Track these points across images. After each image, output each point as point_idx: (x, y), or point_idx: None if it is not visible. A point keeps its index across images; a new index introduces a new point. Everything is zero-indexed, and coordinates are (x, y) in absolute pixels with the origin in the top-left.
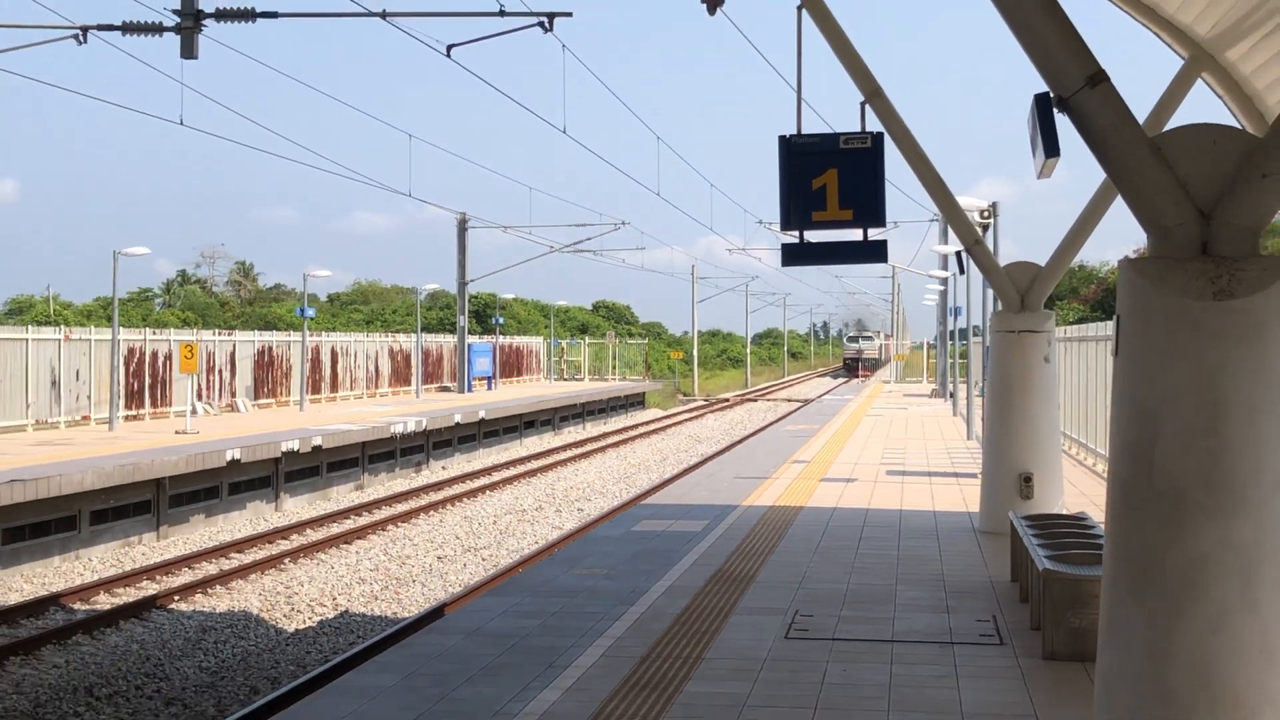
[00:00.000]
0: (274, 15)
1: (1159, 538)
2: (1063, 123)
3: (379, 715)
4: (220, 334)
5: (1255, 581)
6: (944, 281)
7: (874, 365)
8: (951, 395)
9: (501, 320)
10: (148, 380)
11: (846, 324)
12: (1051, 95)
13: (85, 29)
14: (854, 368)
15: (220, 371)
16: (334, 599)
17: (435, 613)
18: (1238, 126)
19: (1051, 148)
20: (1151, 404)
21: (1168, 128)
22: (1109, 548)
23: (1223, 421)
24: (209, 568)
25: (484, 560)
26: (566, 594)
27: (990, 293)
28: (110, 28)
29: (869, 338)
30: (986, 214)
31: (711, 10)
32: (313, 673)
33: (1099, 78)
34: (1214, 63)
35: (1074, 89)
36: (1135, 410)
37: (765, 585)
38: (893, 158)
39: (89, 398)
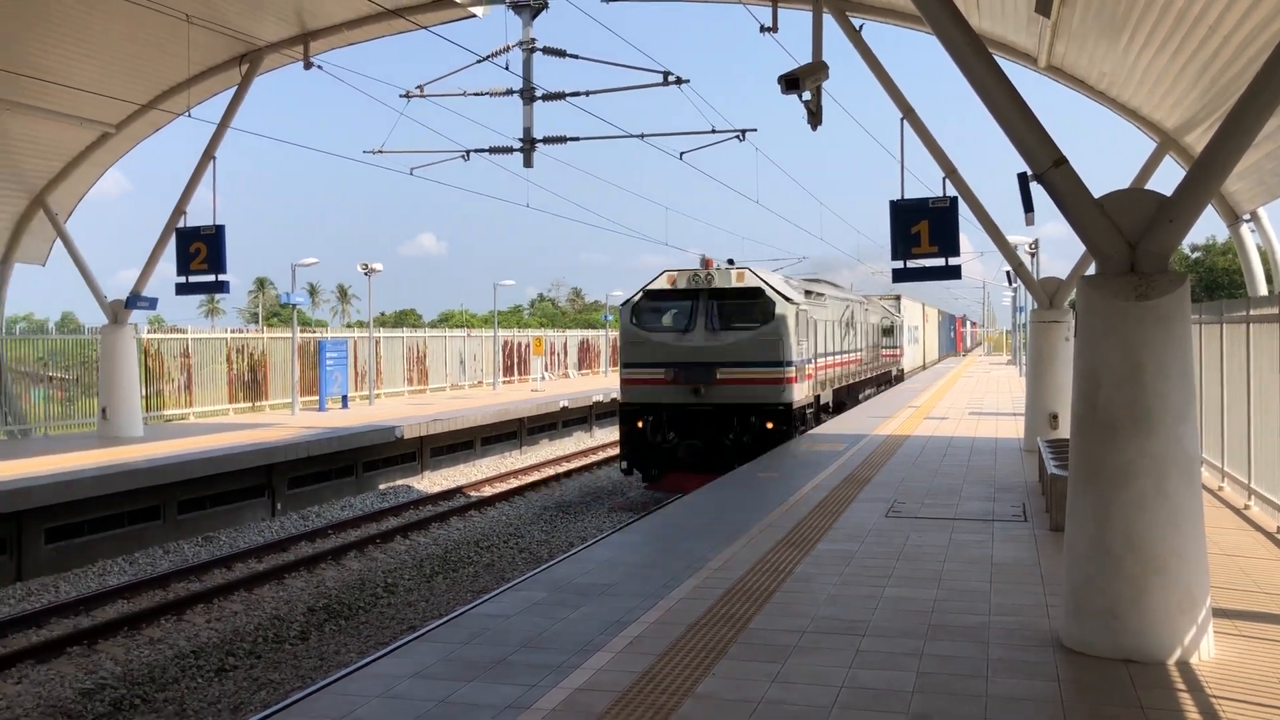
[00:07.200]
0: (577, 139)
1: (1100, 450)
2: (1040, 189)
3: (625, 555)
4: (557, 331)
5: (1165, 478)
6: (1014, 289)
7: (895, 375)
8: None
9: None
10: (515, 360)
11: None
12: (1029, 173)
13: (468, 151)
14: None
15: (558, 354)
16: (624, 491)
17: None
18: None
19: (1029, 207)
20: (1096, 366)
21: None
22: (1071, 457)
23: (1140, 376)
24: (549, 471)
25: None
26: (752, 487)
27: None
28: (481, 150)
29: (818, 298)
30: (1032, 247)
31: (814, 127)
32: (604, 535)
33: (1061, 161)
34: (1177, 145)
35: (1044, 169)
36: (1086, 371)
37: (877, 484)
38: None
39: (481, 370)
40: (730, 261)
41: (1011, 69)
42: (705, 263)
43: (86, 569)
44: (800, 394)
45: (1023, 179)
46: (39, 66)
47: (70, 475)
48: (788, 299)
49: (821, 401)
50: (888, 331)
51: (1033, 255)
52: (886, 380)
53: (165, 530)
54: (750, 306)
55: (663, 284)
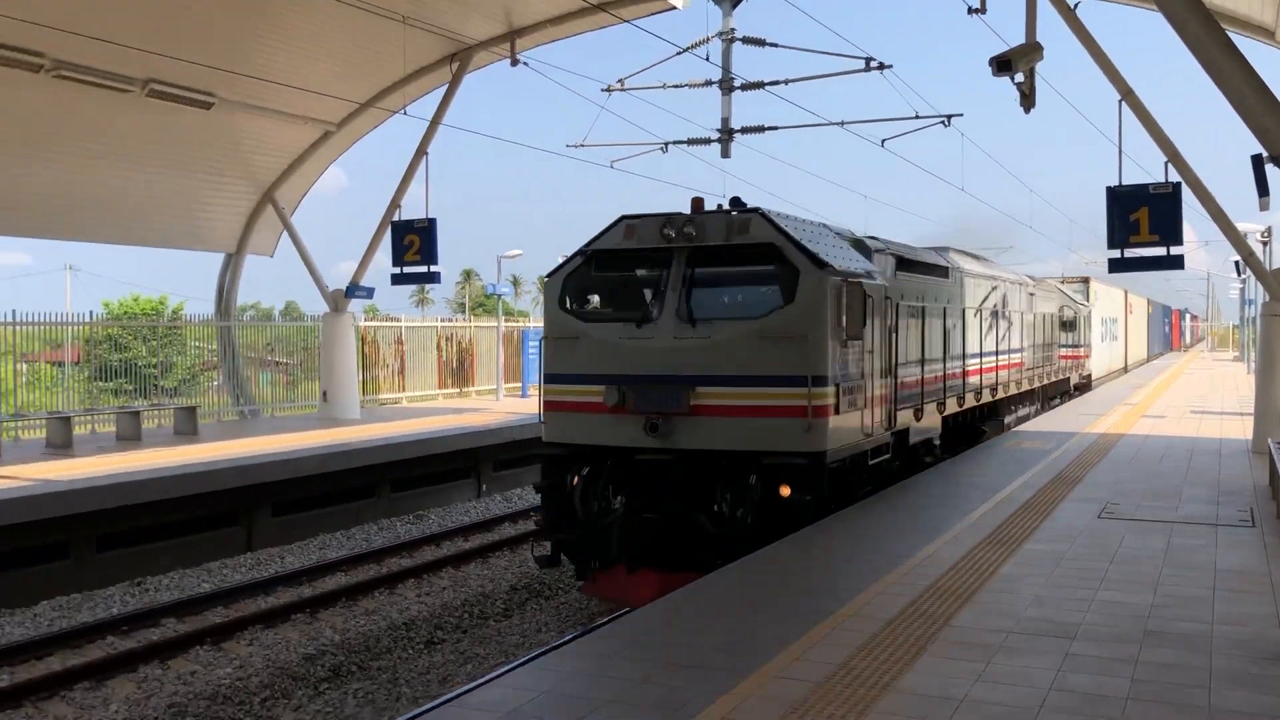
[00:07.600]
0: (775, 129)
1: None
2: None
3: (824, 547)
4: None
5: None
6: (1243, 280)
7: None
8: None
9: None
10: None
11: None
12: (1265, 155)
13: (666, 144)
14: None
15: None
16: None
17: None
18: None
19: (1264, 191)
20: None
21: None
22: None
23: None
24: None
25: None
26: (956, 486)
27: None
28: (680, 141)
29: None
30: (1264, 235)
31: (1026, 110)
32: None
33: None
34: None
35: None
36: None
37: (1089, 484)
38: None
39: None
40: (736, 201)
41: (1244, 44)
42: (694, 205)
43: (308, 542)
44: (850, 435)
45: (1257, 161)
46: (269, 70)
47: (295, 454)
48: (824, 264)
49: (914, 439)
50: (1068, 325)
51: (1265, 244)
52: (1063, 390)
53: (379, 507)
54: (757, 277)
55: (617, 239)
